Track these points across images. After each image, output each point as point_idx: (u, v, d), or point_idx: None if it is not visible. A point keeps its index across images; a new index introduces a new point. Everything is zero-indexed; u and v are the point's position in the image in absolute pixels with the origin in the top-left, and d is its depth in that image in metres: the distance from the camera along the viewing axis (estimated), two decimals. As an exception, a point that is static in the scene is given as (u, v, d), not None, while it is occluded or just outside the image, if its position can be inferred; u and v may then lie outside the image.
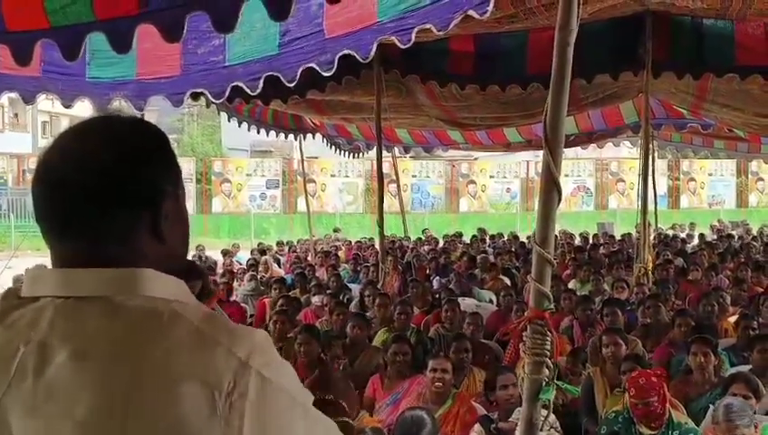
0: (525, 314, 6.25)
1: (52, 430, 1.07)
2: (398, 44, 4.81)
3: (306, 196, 17.17)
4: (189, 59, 5.09)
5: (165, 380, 1.07)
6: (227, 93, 5.39)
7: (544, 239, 3.07)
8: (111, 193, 1.17)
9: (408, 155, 17.74)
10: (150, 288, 1.16)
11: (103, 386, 1.06)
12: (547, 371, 3.06)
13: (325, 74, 5.05)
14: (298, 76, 5.11)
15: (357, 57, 4.95)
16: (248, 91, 5.37)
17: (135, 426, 1.05)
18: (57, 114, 37.69)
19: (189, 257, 1.40)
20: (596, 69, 8.38)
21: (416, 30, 4.65)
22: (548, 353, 3.05)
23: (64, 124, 40.80)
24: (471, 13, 4.36)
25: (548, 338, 3.06)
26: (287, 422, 1.14)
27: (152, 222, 1.20)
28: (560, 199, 3.13)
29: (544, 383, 3.06)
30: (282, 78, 5.12)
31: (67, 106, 5.51)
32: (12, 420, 1.09)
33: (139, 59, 4.99)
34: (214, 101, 5.90)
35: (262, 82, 5.22)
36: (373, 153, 12.94)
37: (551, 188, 3.06)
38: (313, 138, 14.36)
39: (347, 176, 31.32)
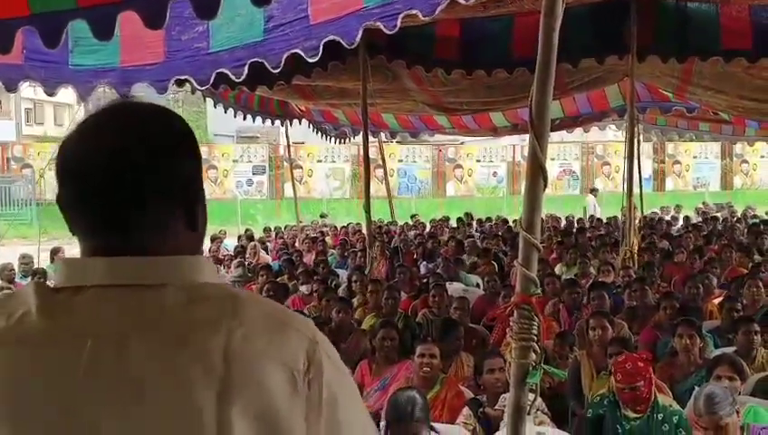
0: (512, 298, 6.29)
1: (150, 428, 1.06)
2: (384, 30, 4.79)
3: (293, 181, 17.13)
4: (173, 45, 5.06)
5: (250, 364, 1.09)
6: (212, 80, 5.36)
7: (531, 224, 3.08)
8: (149, 187, 1.17)
9: (394, 140, 17.72)
10: (206, 274, 1.19)
11: (191, 377, 1.07)
12: (534, 355, 3.08)
13: (310, 60, 5.02)
14: (283, 62, 5.09)
15: (342, 43, 4.93)
16: (233, 77, 5.35)
17: (229, 413, 1.06)
18: (41, 101, 37.47)
19: None
20: (581, 53, 8.38)
21: (402, 16, 4.63)
22: (535, 338, 3.06)
23: (48, 111, 40.63)
24: (457, -3, 4.35)
25: (535, 323, 3.07)
26: (353, 406, 1.21)
27: (187, 212, 1.22)
28: (546, 185, 3.13)
29: (531, 367, 3.09)
30: (266, 64, 5.09)
31: (50, 94, 5.47)
32: (100, 417, 1.07)
33: (122, 46, 4.96)
34: (199, 87, 5.87)
35: (247, 68, 5.19)
36: (359, 138, 12.94)
37: (537, 173, 3.06)
38: (300, 123, 14.32)
39: (333, 161, 31.31)
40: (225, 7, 3.36)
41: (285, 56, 5.02)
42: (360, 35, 4.90)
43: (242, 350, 1.09)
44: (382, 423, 4.17)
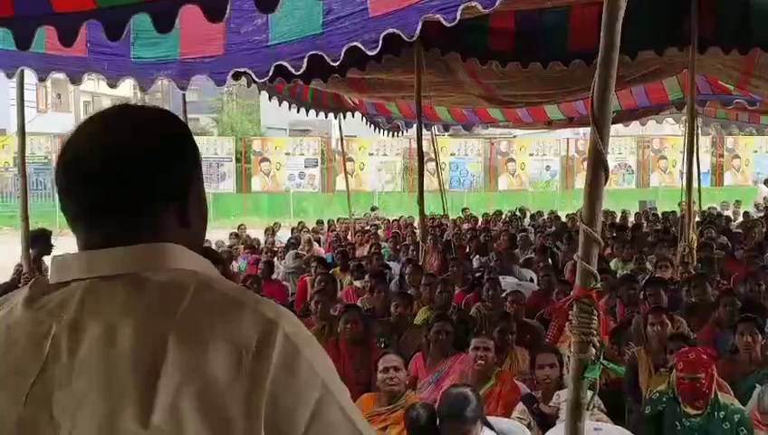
0: (568, 293, 6.25)
1: (87, 401, 1.09)
2: (444, 23, 4.76)
3: (345, 175, 17.19)
4: (233, 38, 5.11)
5: (193, 342, 1.10)
6: (271, 72, 5.40)
7: (592, 218, 3.04)
8: (144, 187, 1.21)
9: (446, 133, 17.65)
10: (177, 261, 1.21)
11: (135, 355, 1.09)
12: (593, 350, 3.05)
13: (370, 54, 5.02)
14: (342, 55, 5.10)
15: (402, 36, 4.91)
16: (292, 70, 5.38)
17: (166, 389, 1.07)
18: (99, 94, 38.14)
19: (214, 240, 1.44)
20: (640, 45, 8.21)
21: (461, 8, 4.60)
22: (594, 332, 3.03)
23: (106, 104, 41.36)
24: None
25: (594, 317, 3.03)
26: (305, 396, 1.14)
27: (180, 210, 1.25)
28: (607, 178, 3.09)
29: (590, 362, 3.05)
30: (326, 57, 5.11)
31: (112, 86, 5.57)
32: (54, 398, 1.11)
33: (182, 39, 5.03)
34: (256, 80, 5.91)
35: (306, 61, 5.22)
36: (411, 132, 12.90)
37: (598, 166, 3.02)
38: (353, 116, 14.34)
39: (385, 154, 31.30)
40: (285, 1, 3.38)
41: (345, 49, 5.03)
42: (419, 28, 4.89)
43: (183, 331, 1.11)
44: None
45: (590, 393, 3.14)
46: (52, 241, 7.08)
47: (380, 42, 4.93)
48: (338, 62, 5.17)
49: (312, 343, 1.19)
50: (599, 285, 3.13)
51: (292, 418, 1.12)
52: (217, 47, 5.18)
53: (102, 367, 1.10)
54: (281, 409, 1.11)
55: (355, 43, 4.96)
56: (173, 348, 1.09)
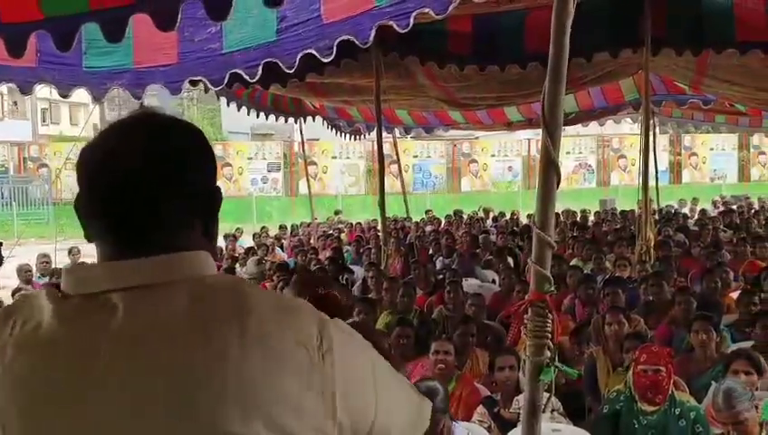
0: (527, 294, 6.27)
1: (149, 417, 1.08)
2: (397, 29, 4.78)
3: (308, 178, 17.15)
4: (186, 46, 5.07)
5: (265, 348, 1.12)
6: (226, 81, 5.38)
7: (544, 222, 3.07)
8: (172, 201, 1.20)
9: (408, 136, 17.70)
10: (211, 267, 1.22)
11: (204, 365, 1.09)
12: (548, 352, 3.08)
13: (325, 60, 5.02)
14: (297, 62, 5.09)
15: (356, 42, 4.92)
16: (247, 78, 5.36)
17: (242, 398, 1.09)
18: (56, 101, 37.67)
19: None
20: (595, 47, 8.34)
21: (414, 14, 4.62)
22: (549, 335, 3.06)
23: (64, 111, 40.85)
24: (470, -5, 4.34)
25: (549, 320, 3.07)
26: (365, 372, 1.25)
27: (205, 223, 1.25)
28: (558, 181, 3.12)
29: (545, 365, 3.08)
30: (281, 64, 5.10)
31: (64, 96, 5.50)
32: (106, 419, 1.09)
33: (135, 47, 4.98)
34: (212, 87, 5.88)
35: (261, 69, 5.20)
36: (374, 134, 12.90)
37: (549, 170, 3.05)
38: (314, 120, 14.32)
39: (348, 157, 31.32)
40: (238, 8, 3.38)
41: (299, 56, 5.02)
42: (373, 34, 4.90)
43: (253, 338, 1.11)
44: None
45: (546, 395, 3.18)
46: (8, 252, 6.95)
47: (335, 49, 4.94)
48: (293, 70, 5.16)
49: (354, 331, 1.29)
50: (553, 289, 3.17)
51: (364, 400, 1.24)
52: (171, 56, 5.13)
53: (164, 380, 1.09)
54: (350, 393, 1.19)
55: (309, 51, 4.96)
56: (247, 356, 1.11)
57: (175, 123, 1.27)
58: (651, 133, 9.41)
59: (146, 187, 1.18)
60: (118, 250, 1.18)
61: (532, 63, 8.43)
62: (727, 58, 8.44)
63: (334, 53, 4.98)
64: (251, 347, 1.10)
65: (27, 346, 1.13)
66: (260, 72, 5.25)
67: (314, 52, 4.95)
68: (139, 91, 5.42)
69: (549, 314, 3.07)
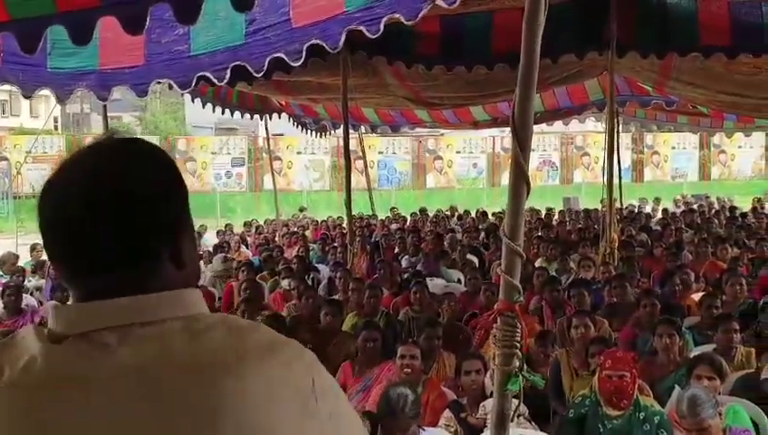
0: (493, 295, 6.34)
1: None
2: (368, 35, 4.75)
3: (273, 174, 16.97)
4: (153, 48, 5.00)
5: (261, 393, 1.10)
6: (194, 84, 5.31)
7: (514, 232, 3.08)
8: (136, 233, 1.16)
9: (374, 133, 17.71)
10: (198, 306, 1.20)
11: (189, 412, 1.07)
12: (517, 362, 3.10)
13: (294, 64, 4.98)
14: (266, 66, 5.04)
15: (326, 47, 4.89)
16: (215, 81, 5.31)
17: None
18: (17, 93, 36.99)
19: None
20: (562, 49, 8.38)
21: (384, 20, 4.59)
22: (518, 345, 3.08)
23: (24, 104, 40.15)
24: (439, 2, 4.33)
25: (518, 330, 3.08)
26: (350, 412, 1.26)
27: (173, 252, 1.21)
28: (528, 191, 3.14)
29: (513, 374, 3.10)
30: (249, 68, 5.05)
31: (27, 97, 5.40)
32: None
33: (101, 49, 4.89)
34: (180, 90, 5.80)
35: (229, 72, 5.14)
36: (339, 131, 12.82)
37: (520, 181, 3.06)
38: (279, 117, 14.23)
39: (313, 153, 31.23)
40: (206, 11, 3.34)
41: (268, 60, 4.97)
42: (342, 39, 4.87)
43: (250, 383, 1.10)
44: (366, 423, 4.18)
45: (514, 403, 3.20)
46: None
47: (304, 53, 4.89)
48: (261, 73, 5.11)
49: (325, 371, 1.25)
50: (521, 299, 3.18)
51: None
52: (137, 57, 5.05)
53: (153, 427, 1.07)
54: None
55: (278, 55, 4.91)
56: (246, 399, 1.09)
57: (145, 155, 1.24)
58: (615, 134, 9.49)
59: (117, 232, 1.15)
60: (91, 288, 1.16)
61: (500, 65, 8.47)
62: (691, 61, 8.54)
63: (303, 57, 4.93)
64: (249, 392, 1.09)
65: (17, 386, 1.10)
66: (228, 75, 5.19)
67: (283, 56, 4.91)
68: (105, 93, 5.33)
69: (518, 324, 3.09)
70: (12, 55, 4.60)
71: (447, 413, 4.82)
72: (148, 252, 1.18)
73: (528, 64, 3.05)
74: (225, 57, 5.02)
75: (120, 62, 5.08)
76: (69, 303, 1.22)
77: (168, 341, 1.12)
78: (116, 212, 1.15)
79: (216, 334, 1.14)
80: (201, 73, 5.16)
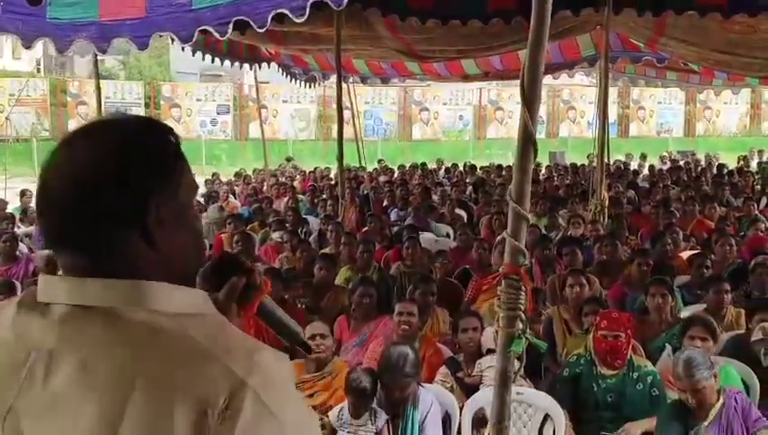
0: (485, 252, 6.36)
1: None
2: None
3: (261, 124, 16.83)
4: (154, 0, 4.93)
5: (159, 396, 1.06)
6: (195, 37, 5.24)
7: (520, 196, 3.10)
8: (100, 211, 1.16)
9: (363, 84, 17.60)
10: (157, 301, 1.17)
11: (102, 400, 1.08)
12: (520, 324, 3.15)
13: (298, 21, 4.91)
14: (269, 22, 4.97)
15: (330, 4, 4.83)
16: (217, 35, 5.24)
17: None
18: (-3, 34, 36.32)
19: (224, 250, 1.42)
20: (558, 5, 8.28)
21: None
22: (522, 308, 3.12)
23: (6, 46, 39.37)
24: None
25: (522, 293, 3.12)
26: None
27: (144, 233, 1.19)
28: (536, 156, 3.17)
29: (516, 336, 3.15)
30: (252, 23, 4.98)
31: (27, 47, 5.31)
32: (23, 426, 1.12)
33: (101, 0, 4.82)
34: (182, 43, 5.71)
35: (231, 26, 5.07)
36: (328, 81, 12.71)
37: (527, 145, 3.07)
38: (269, 66, 14.10)
39: (299, 102, 30.95)
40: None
41: (271, 16, 4.90)
42: (348, -6, 4.80)
43: (151, 383, 1.07)
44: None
45: (517, 364, 3.26)
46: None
47: (308, 9, 4.83)
48: (264, 29, 5.05)
49: (286, 400, 1.14)
50: (527, 262, 3.22)
51: None
52: (138, 9, 4.96)
53: (71, 406, 1.09)
54: None
55: (282, 11, 4.84)
56: (139, 397, 1.06)
57: (125, 125, 1.26)
58: (606, 91, 9.47)
59: (82, 209, 1.17)
60: (66, 265, 1.21)
61: (494, 20, 8.40)
62: (686, 19, 8.51)
63: (307, 13, 4.86)
64: (144, 393, 1.07)
65: None
66: (230, 30, 5.13)
67: (287, 12, 4.84)
68: (105, 45, 5.24)
69: (522, 287, 3.12)
70: (11, 5, 4.53)
71: (444, 369, 4.89)
72: (110, 227, 1.18)
73: (538, 26, 3.07)
74: (227, 11, 4.94)
75: (121, 13, 4.99)
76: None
77: (96, 328, 1.14)
78: (71, 196, 1.17)
79: (147, 331, 1.13)
80: (203, 27, 5.09)
